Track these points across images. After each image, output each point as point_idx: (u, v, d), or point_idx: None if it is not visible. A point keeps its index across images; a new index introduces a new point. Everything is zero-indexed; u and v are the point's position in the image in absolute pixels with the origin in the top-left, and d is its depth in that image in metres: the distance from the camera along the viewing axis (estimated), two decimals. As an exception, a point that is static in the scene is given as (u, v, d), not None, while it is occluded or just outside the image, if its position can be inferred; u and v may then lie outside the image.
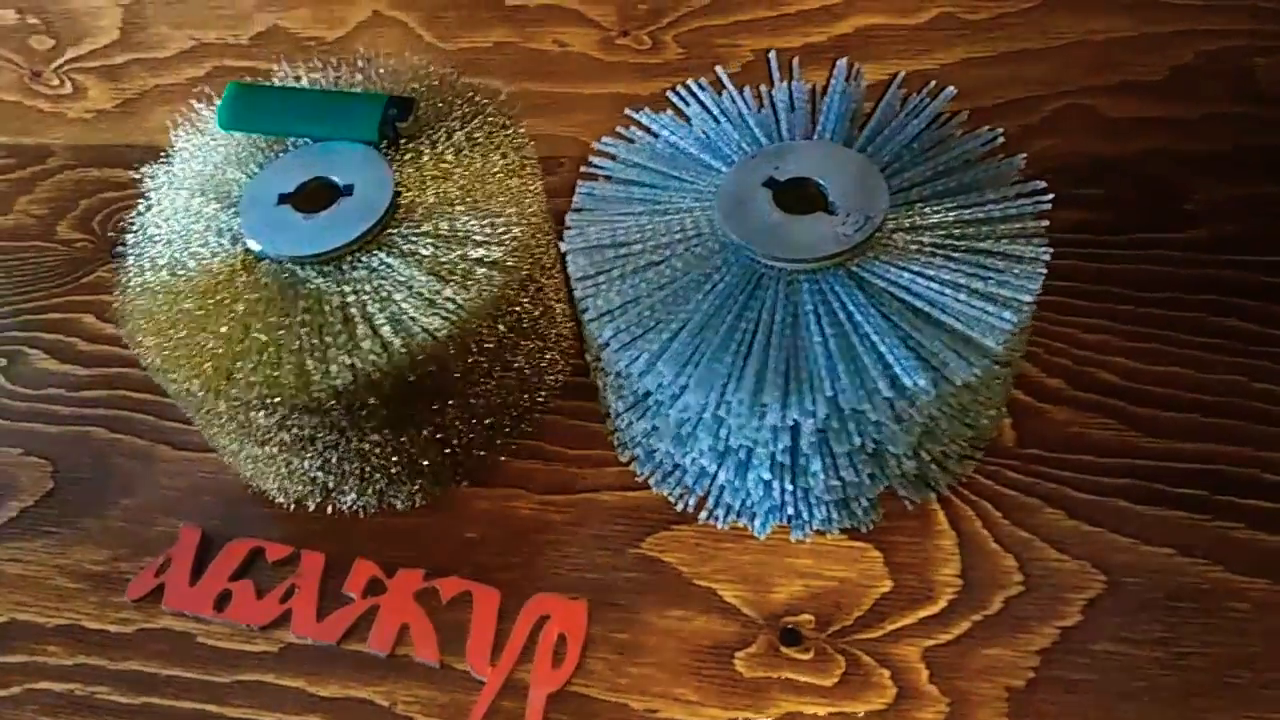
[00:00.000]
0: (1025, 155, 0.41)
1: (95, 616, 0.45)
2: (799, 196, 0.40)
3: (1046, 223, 0.39)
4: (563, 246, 0.41)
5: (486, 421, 0.45)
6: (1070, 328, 0.48)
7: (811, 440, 0.37)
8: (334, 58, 0.47)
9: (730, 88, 0.45)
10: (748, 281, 0.39)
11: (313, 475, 0.44)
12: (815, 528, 0.42)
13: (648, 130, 0.44)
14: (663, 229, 0.41)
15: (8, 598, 0.46)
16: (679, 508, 0.44)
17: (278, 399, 0.39)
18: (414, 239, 0.41)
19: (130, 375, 0.53)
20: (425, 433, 0.43)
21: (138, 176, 0.46)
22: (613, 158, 0.44)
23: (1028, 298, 0.37)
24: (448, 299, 0.40)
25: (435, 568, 0.44)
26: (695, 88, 0.45)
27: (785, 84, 0.45)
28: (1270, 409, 0.44)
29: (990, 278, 0.37)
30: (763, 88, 0.45)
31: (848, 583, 0.42)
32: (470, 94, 0.47)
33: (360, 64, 0.47)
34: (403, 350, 0.39)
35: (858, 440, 0.36)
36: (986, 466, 0.44)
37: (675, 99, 0.45)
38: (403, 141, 0.45)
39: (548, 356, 0.47)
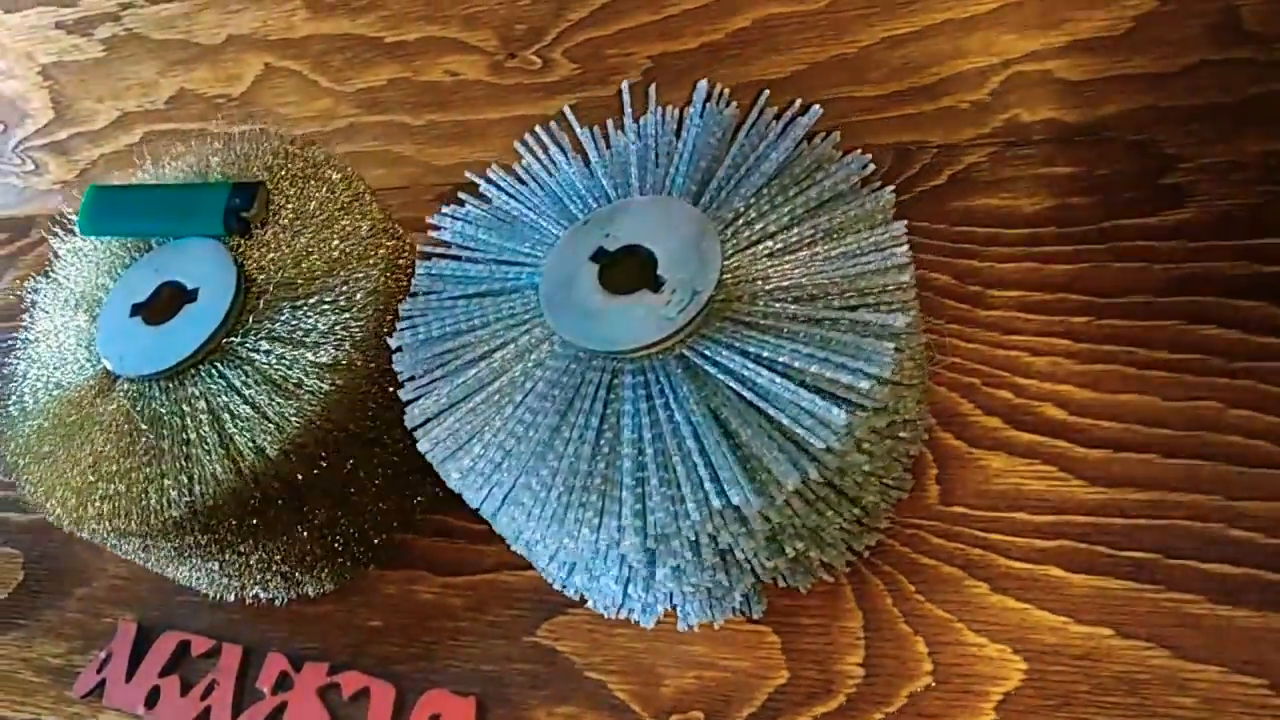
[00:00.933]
0: (895, 188, 0.34)
1: (52, 711, 0.47)
2: (631, 268, 0.36)
3: (907, 277, 0.33)
4: (391, 342, 0.38)
5: (377, 507, 0.44)
6: (1016, 349, 0.41)
7: (638, 556, 0.33)
8: (191, 141, 0.45)
9: (578, 130, 0.40)
10: (572, 376, 0.35)
11: (209, 578, 0.44)
12: (697, 620, 0.38)
13: (492, 191, 0.41)
14: (493, 314, 0.37)
15: (-18, 693, 0.49)
16: (570, 593, 0.41)
17: (127, 529, 0.39)
18: (252, 344, 0.40)
19: (90, 458, 0.55)
20: (305, 535, 0.42)
21: (17, 294, 0.46)
22: (456, 227, 0.40)
23: (866, 384, 0.31)
24: (278, 413, 0.38)
25: (340, 660, 0.44)
26: (544, 135, 0.40)
27: (639, 122, 0.40)
28: (1248, 443, 0.36)
29: (828, 358, 0.32)
30: (628, 120, 0.40)
31: (741, 673, 0.38)
32: (324, 167, 0.44)
33: (219, 145, 0.45)
34: (233, 474, 0.38)
35: (688, 555, 0.33)
36: (904, 530, 0.39)
37: (523, 150, 0.40)
38: (255, 228, 0.43)
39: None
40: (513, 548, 0.39)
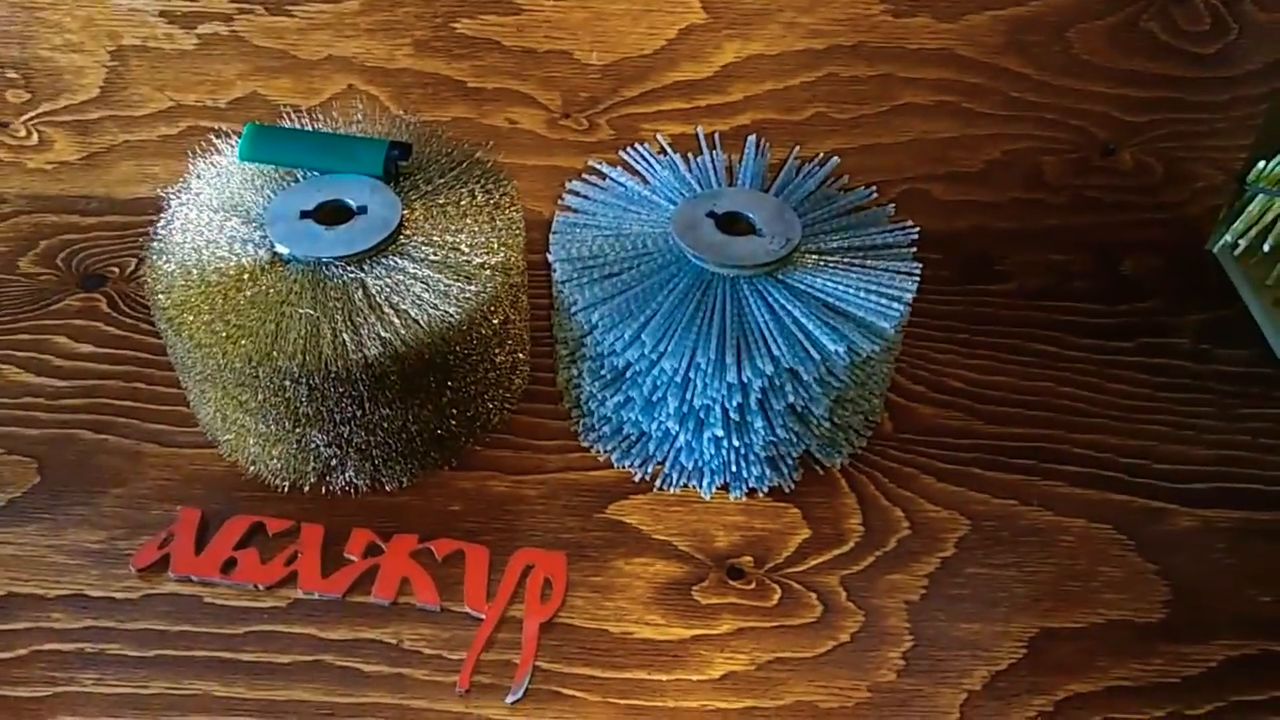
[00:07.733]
0: (894, 203, 0.55)
1: (99, 586, 0.49)
2: (733, 224, 0.52)
3: (915, 248, 0.52)
4: (549, 256, 0.51)
5: (468, 412, 0.53)
6: (926, 347, 0.61)
7: (756, 398, 0.47)
8: (332, 113, 0.56)
9: (670, 151, 0.57)
10: (700, 283, 0.50)
11: (320, 450, 0.50)
12: (751, 485, 0.52)
13: (607, 177, 0.56)
14: (627, 246, 0.52)
15: (3, 574, 0.49)
16: (637, 478, 0.53)
17: (317, 369, 0.46)
18: (423, 248, 0.50)
19: (109, 386, 0.58)
20: (426, 410, 0.51)
21: (142, 220, 0.53)
22: (582, 195, 0.55)
23: (909, 295, 0.49)
24: (459, 290, 0.49)
25: (426, 534, 0.51)
26: (643, 150, 0.57)
27: (710, 152, 0.57)
28: (1074, 404, 0.58)
29: (880, 283, 0.50)
30: (690, 156, 0.58)
31: (774, 532, 0.52)
32: (456, 146, 0.56)
33: (357, 119, 0.57)
34: (424, 328, 0.47)
35: (792, 397, 0.47)
36: (874, 447, 0.56)
37: (627, 156, 0.56)
38: (401, 178, 0.54)
39: (516, 359, 0.56)
40: (630, 414, 0.51)
